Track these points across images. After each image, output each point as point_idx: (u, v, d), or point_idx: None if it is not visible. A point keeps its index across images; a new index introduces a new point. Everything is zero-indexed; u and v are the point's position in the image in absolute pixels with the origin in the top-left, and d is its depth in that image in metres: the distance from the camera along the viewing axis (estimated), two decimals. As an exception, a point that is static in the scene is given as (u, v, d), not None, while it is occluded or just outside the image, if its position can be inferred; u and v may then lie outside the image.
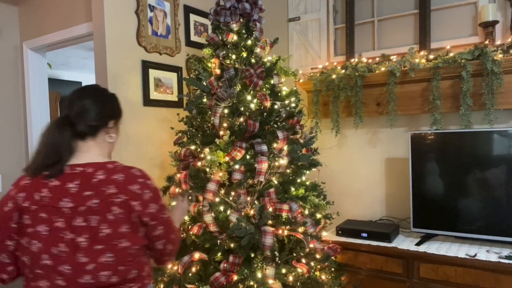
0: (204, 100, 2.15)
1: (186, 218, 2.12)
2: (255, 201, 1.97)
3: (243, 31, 2.19)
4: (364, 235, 2.47)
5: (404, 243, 2.38)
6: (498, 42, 2.34)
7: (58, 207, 1.17)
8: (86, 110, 1.27)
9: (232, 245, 1.93)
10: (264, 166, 1.94)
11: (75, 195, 1.17)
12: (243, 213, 1.92)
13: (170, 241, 1.34)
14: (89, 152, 1.27)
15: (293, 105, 2.20)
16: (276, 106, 2.10)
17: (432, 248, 2.26)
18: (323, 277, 2.15)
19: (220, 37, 2.19)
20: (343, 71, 2.69)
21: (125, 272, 1.18)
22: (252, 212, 1.92)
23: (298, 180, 2.14)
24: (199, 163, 2.04)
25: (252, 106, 2.05)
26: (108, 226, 1.16)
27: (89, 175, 1.20)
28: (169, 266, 2.04)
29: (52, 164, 1.20)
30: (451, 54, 2.34)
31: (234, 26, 2.17)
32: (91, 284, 1.14)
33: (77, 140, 1.27)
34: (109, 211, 1.16)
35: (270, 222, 1.94)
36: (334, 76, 2.69)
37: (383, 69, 2.54)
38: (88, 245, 1.15)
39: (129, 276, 1.20)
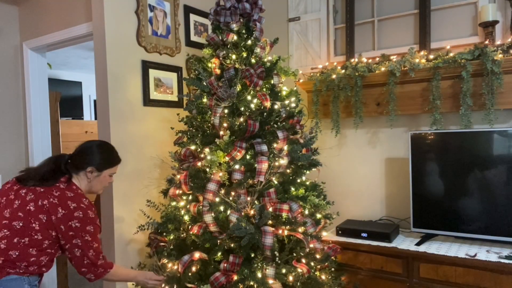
0: (204, 100, 2.15)
1: (186, 218, 2.13)
2: (255, 201, 1.96)
3: (243, 31, 2.19)
4: (364, 235, 2.47)
5: (404, 243, 2.38)
6: (498, 42, 2.34)
7: None
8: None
9: (232, 245, 1.93)
10: (264, 166, 1.94)
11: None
12: (243, 213, 1.92)
13: (87, 252, 1.71)
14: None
15: (293, 105, 2.20)
16: (276, 106, 2.10)
17: (432, 248, 2.26)
18: (323, 277, 2.15)
19: (220, 37, 2.19)
20: (343, 71, 2.69)
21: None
22: (252, 212, 1.92)
23: (298, 180, 2.14)
24: (199, 163, 2.04)
25: (252, 106, 2.05)
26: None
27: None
28: (169, 265, 2.04)
29: None
30: (451, 54, 2.34)
31: (234, 26, 2.17)
32: None
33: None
34: None
35: (270, 222, 1.94)
36: (334, 76, 2.69)
37: (383, 69, 2.54)
38: None
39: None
